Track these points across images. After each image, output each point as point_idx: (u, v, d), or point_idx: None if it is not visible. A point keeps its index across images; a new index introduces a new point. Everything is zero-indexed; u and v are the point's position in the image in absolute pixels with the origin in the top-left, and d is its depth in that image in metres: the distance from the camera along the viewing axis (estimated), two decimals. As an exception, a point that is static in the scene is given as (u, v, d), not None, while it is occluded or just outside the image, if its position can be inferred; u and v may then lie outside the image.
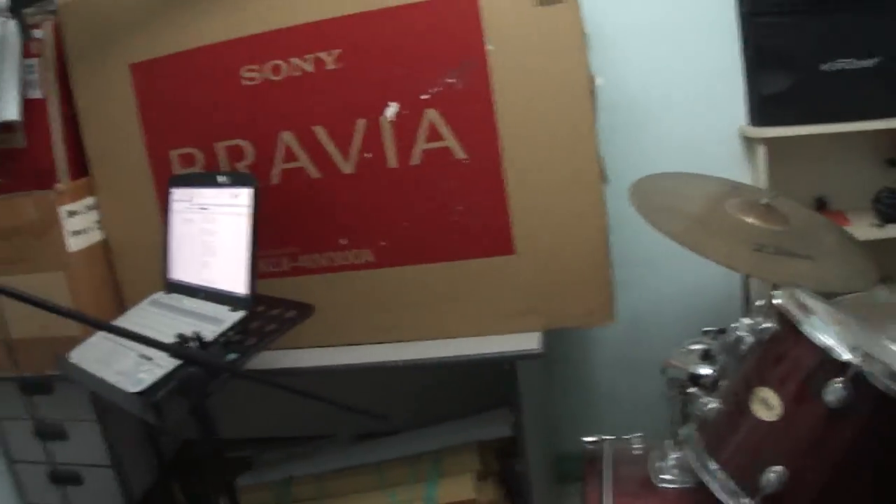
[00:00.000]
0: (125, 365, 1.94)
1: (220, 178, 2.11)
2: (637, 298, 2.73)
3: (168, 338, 1.72)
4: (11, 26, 2.39)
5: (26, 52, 2.43)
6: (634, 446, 2.00)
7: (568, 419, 2.97)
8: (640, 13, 2.61)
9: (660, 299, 2.81)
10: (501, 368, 2.18)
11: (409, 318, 2.26)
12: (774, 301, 1.55)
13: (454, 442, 2.59)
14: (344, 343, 2.31)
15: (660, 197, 2.05)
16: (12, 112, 2.41)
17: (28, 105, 2.44)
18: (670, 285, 2.77)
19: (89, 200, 2.49)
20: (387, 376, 2.47)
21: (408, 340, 2.27)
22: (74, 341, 2.27)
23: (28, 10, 2.40)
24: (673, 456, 1.82)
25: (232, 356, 1.90)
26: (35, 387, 2.71)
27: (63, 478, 2.83)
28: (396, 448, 2.65)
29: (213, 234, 2.12)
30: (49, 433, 2.77)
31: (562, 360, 2.87)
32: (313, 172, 2.22)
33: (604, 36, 2.49)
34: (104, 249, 2.54)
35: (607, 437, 2.06)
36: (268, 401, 2.35)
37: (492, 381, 2.34)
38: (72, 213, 2.41)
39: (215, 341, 1.91)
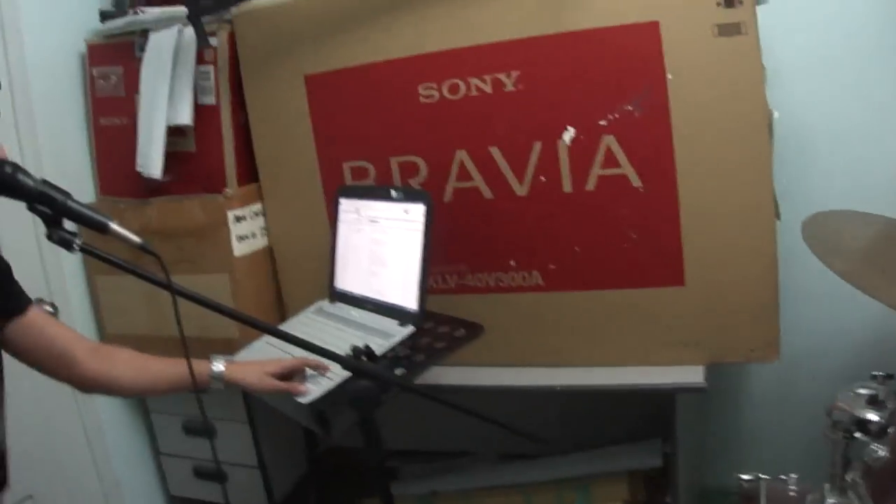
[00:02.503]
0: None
1: (394, 193, 2.24)
2: (794, 335, 2.73)
3: (335, 348, 1.79)
4: (188, 34, 2.56)
5: (201, 60, 2.61)
6: (790, 487, 2.03)
7: (716, 453, 3.00)
8: (810, 45, 2.63)
9: (819, 338, 2.82)
10: (659, 399, 2.23)
11: (573, 343, 2.33)
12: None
13: (603, 469, 2.65)
14: (504, 364, 2.39)
15: (830, 234, 2.08)
16: (185, 117, 2.59)
17: (200, 111, 2.62)
18: (831, 324, 2.78)
19: (256, 206, 2.66)
20: (540, 398, 2.51)
21: (569, 365, 2.35)
22: (232, 343, 2.44)
23: (204, 19, 2.54)
24: (831, 501, 1.85)
25: (400, 371, 2.02)
26: (188, 384, 2.85)
27: (208, 474, 3.02)
28: (544, 471, 2.73)
29: (383, 248, 2.24)
30: (198, 430, 2.94)
31: (713, 393, 2.90)
32: (486, 193, 2.31)
33: (773, 68, 2.52)
34: (268, 255, 2.71)
35: (763, 476, 2.09)
36: (414, 414, 2.43)
37: (644, 410, 2.43)
38: (239, 219, 2.56)
39: (384, 355, 2.03)
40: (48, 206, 1.52)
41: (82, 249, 1.53)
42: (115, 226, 1.53)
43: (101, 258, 1.54)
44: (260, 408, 2.75)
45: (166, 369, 1.92)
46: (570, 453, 2.75)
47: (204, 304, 1.60)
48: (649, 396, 2.24)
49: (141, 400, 3.15)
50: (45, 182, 1.54)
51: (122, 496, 3.06)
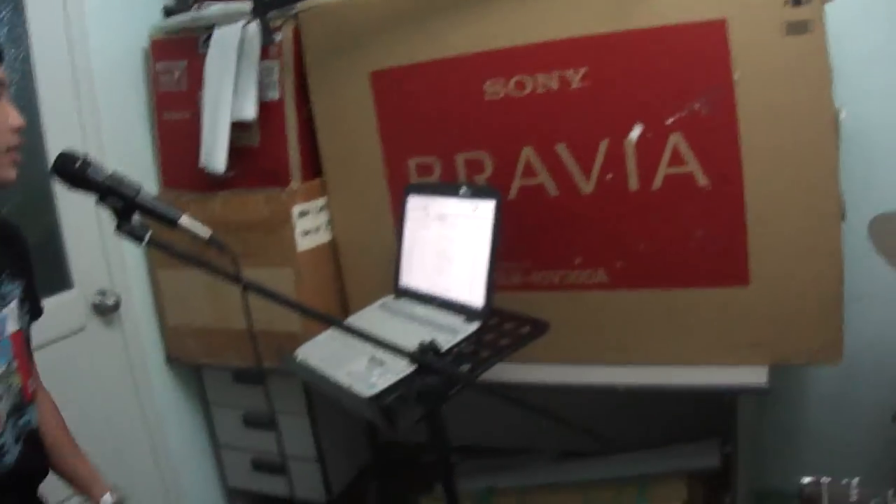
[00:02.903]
0: (356, 367, 2.10)
1: (462, 190, 2.26)
2: (857, 337, 2.72)
3: (401, 343, 1.78)
4: (252, 29, 2.61)
5: (266, 55, 2.65)
6: (852, 491, 2.02)
7: (775, 455, 3.00)
8: (878, 42, 2.61)
9: (882, 340, 2.79)
10: (721, 400, 2.26)
11: (636, 341, 2.36)
12: None
13: (662, 469, 2.67)
14: (565, 361, 2.42)
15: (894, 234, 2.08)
16: (249, 111, 2.63)
17: (265, 106, 2.67)
18: (892, 325, 2.76)
19: (320, 201, 2.71)
20: (600, 396, 2.54)
21: (631, 363, 2.37)
22: (295, 337, 2.49)
23: (270, 14, 2.59)
24: (896, 507, 1.85)
25: (465, 367, 2.04)
26: (249, 377, 2.93)
27: (266, 466, 3.08)
28: (602, 469, 2.75)
29: (450, 244, 2.27)
30: (257, 422, 3.01)
31: (774, 394, 2.90)
32: (552, 190, 2.34)
33: (840, 66, 2.52)
34: (331, 250, 2.75)
35: (824, 479, 2.08)
36: (473, 409, 2.42)
37: (701, 409, 2.45)
38: (303, 213, 2.61)
39: (450, 351, 2.05)
40: (119, 199, 1.56)
41: (151, 242, 1.56)
42: (185, 219, 1.56)
43: (170, 251, 1.56)
44: (320, 401, 2.79)
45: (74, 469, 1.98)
46: (628, 452, 2.76)
47: (274, 298, 1.61)
48: (710, 396, 2.25)
49: (201, 392, 3.23)
50: (115, 175, 1.58)
51: (181, 487, 3.13)
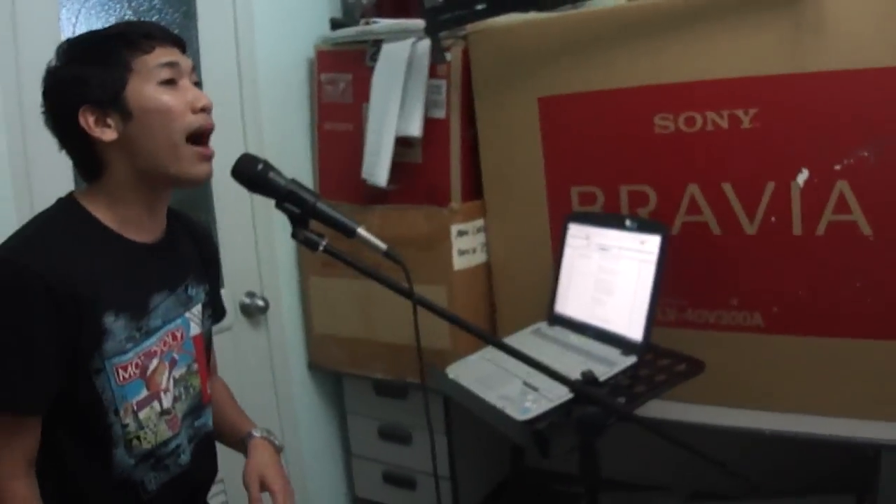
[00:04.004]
0: (510, 391, 2.16)
1: (628, 222, 2.33)
2: None
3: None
4: (422, 46, 2.73)
5: (433, 73, 2.76)
6: None
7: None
8: None
9: None
10: (863, 454, 2.26)
11: (786, 387, 2.37)
12: None
13: (794, 519, 2.67)
14: (711, 401, 2.44)
15: None
16: (415, 128, 2.75)
17: (430, 123, 2.78)
18: None
19: (479, 222, 2.81)
20: (740, 439, 2.49)
21: (777, 410, 2.38)
22: (445, 354, 2.60)
23: (441, 33, 2.69)
24: None
25: (620, 400, 2.09)
26: (390, 390, 3.07)
27: (397, 480, 3.20)
28: (734, 513, 2.76)
29: (611, 276, 2.34)
30: (393, 435, 3.14)
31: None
32: (715, 228, 2.39)
33: None
34: (486, 272, 2.85)
35: None
36: (610, 443, 2.48)
37: (840, 461, 2.46)
38: (461, 233, 2.72)
39: (605, 383, 2.10)
40: (297, 205, 1.65)
41: (326, 251, 1.63)
42: (362, 231, 1.62)
43: (345, 260, 1.63)
44: (459, 419, 2.89)
45: (231, 420, 2.10)
46: (763, 499, 2.77)
47: (443, 315, 1.70)
48: (852, 449, 2.25)
49: (339, 401, 3.36)
50: (295, 182, 1.67)
51: (308, 492, 3.25)
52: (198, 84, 1.78)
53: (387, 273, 1.66)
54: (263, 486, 1.94)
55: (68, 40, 1.77)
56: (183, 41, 1.80)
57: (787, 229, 2.29)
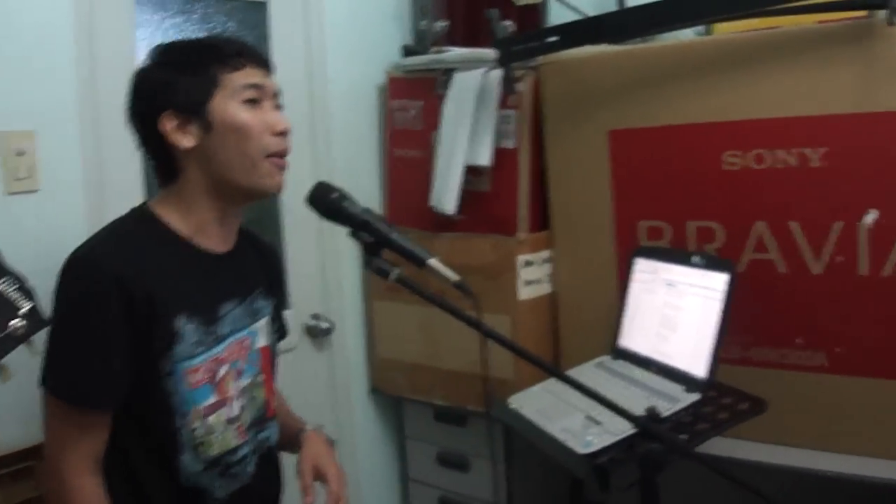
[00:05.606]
0: (572, 423, 2.21)
1: (695, 259, 2.37)
2: None
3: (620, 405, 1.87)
4: (493, 76, 2.81)
5: (504, 103, 2.84)
6: None
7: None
8: None
9: None
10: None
11: (848, 429, 2.39)
12: None
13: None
14: (771, 440, 2.47)
15: None
16: (484, 158, 2.83)
17: (499, 153, 2.85)
18: None
19: (545, 253, 2.88)
20: (796, 478, 2.51)
21: (837, 451, 2.40)
22: (506, 384, 2.65)
23: (513, 64, 2.78)
24: None
25: (683, 437, 2.12)
26: (450, 417, 3.14)
27: (452, 506, 3.20)
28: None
29: (676, 312, 2.37)
30: (451, 462, 3.21)
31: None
32: (781, 267, 2.42)
33: None
34: (550, 303, 2.91)
35: None
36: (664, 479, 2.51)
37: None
38: (528, 263, 2.79)
39: (668, 419, 2.13)
40: (371, 234, 1.71)
41: (399, 280, 1.68)
42: (433, 261, 1.62)
43: (416, 290, 1.68)
44: (520, 450, 2.95)
45: (283, 419, 2.15)
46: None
47: (512, 348, 1.75)
48: None
49: (399, 425, 3.44)
50: (368, 211, 1.74)
51: (364, 512, 3.28)
52: (279, 108, 1.87)
53: (452, 300, 1.69)
54: (316, 476, 2.02)
55: (162, 44, 1.88)
56: (271, 64, 1.90)
57: (853, 269, 2.33)
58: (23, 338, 1.36)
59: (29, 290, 1.40)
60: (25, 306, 1.37)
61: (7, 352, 1.35)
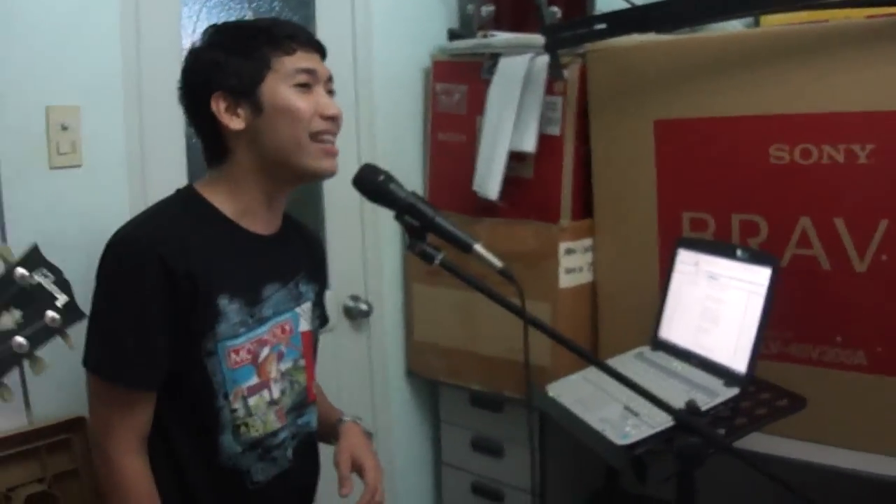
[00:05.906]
0: (610, 414, 2.21)
1: (739, 252, 2.35)
2: None
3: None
4: (540, 62, 2.81)
5: (550, 90, 2.84)
6: None
7: None
8: None
9: None
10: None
11: (887, 429, 2.37)
12: None
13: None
14: (808, 438, 2.46)
15: None
16: (529, 144, 2.84)
17: (543, 140, 2.86)
18: None
19: (587, 242, 2.88)
20: (832, 477, 2.49)
21: (874, 451, 2.39)
22: (544, 371, 2.68)
23: (560, 51, 2.78)
24: None
25: (721, 431, 2.12)
26: (486, 402, 3.16)
27: (485, 492, 3.28)
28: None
29: (718, 305, 2.37)
30: (485, 447, 3.23)
31: None
32: (825, 264, 2.41)
33: None
34: (590, 292, 2.91)
35: None
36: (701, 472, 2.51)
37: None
38: (569, 251, 2.80)
39: (707, 413, 2.13)
40: (417, 218, 1.72)
41: (443, 265, 1.70)
42: (479, 247, 1.61)
43: (460, 275, 1.70)
44: (553, 437, 2.97)
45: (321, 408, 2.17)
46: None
47: (554, 336, 1.79)
48: None
49: (434, 409, 3.47)
50: (414, 194, 1.75)
51: (395, 496, 3.34)
52: (331, 93, 1.89)
53: (493, 286, 1.71)
54: (353, 467, 2.03)
55: (216, 25, 1.90)
56: (324, 48, 1.92)
57: (896, 268, 2.28)
58: (58, 330, 1.37)
59: (66, 282, 1.40)
60: (62, 299, 1.37)
61: (43, 343, 1.36)
